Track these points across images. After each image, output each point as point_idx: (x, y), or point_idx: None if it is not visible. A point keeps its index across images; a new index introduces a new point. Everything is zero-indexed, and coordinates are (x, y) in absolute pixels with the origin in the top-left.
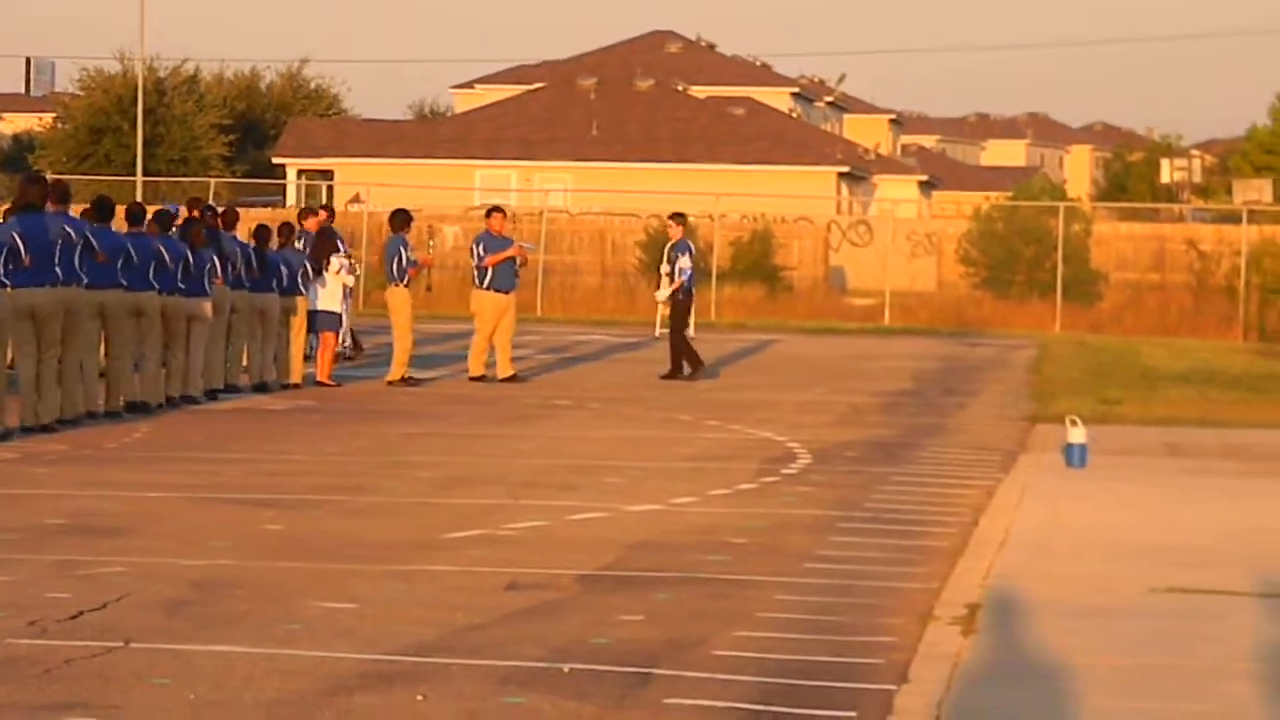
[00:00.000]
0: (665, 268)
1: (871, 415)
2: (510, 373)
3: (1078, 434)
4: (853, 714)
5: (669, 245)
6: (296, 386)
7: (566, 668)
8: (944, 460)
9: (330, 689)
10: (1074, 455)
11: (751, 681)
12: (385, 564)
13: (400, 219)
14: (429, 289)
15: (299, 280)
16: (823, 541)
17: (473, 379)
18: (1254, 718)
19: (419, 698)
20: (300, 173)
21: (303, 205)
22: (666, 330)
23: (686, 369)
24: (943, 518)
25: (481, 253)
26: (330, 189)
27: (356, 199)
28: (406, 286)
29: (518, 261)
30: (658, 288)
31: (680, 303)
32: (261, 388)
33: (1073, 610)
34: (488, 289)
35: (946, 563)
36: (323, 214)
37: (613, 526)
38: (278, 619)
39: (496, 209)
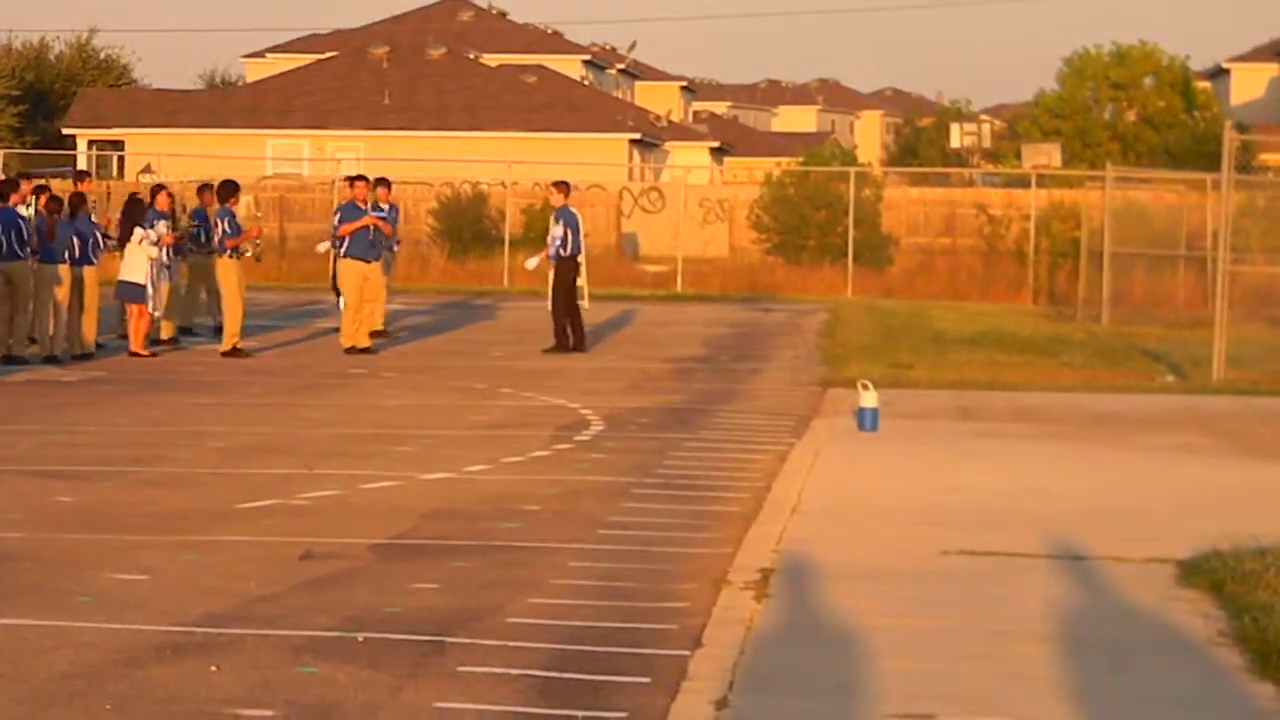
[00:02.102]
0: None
1: (664, 381)
2: (366, 344)
3: (869, 398)
4: (647, 680)
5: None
6: (89, 357)
7: (361, 637)
8: (737, 425)
9: (123, 661)
10: (866, 419)
11: (546, 648)
12: (178, 535)
13: (227, 190)
14: (259, 259)
15: (90, 251)
16: (616, 508)
17: (347, 351)
18: (1041, 677)
19: (213, 669)
20: (91, 143)
21: (96, 176)
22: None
23: (571, 341)
24: (736, 483)
25: (337, 222)
26: (121, 160)
27: (148, 169)
28: (233, 258)
29: (371, 231)
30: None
31: (561, 272)
32: (52, 359)
33: (864, 573)
34: (346, 257)
35: (739, 528)
36: (164, 194)
37: (406, 495)
38: (69, 591)
39: (359, 178)
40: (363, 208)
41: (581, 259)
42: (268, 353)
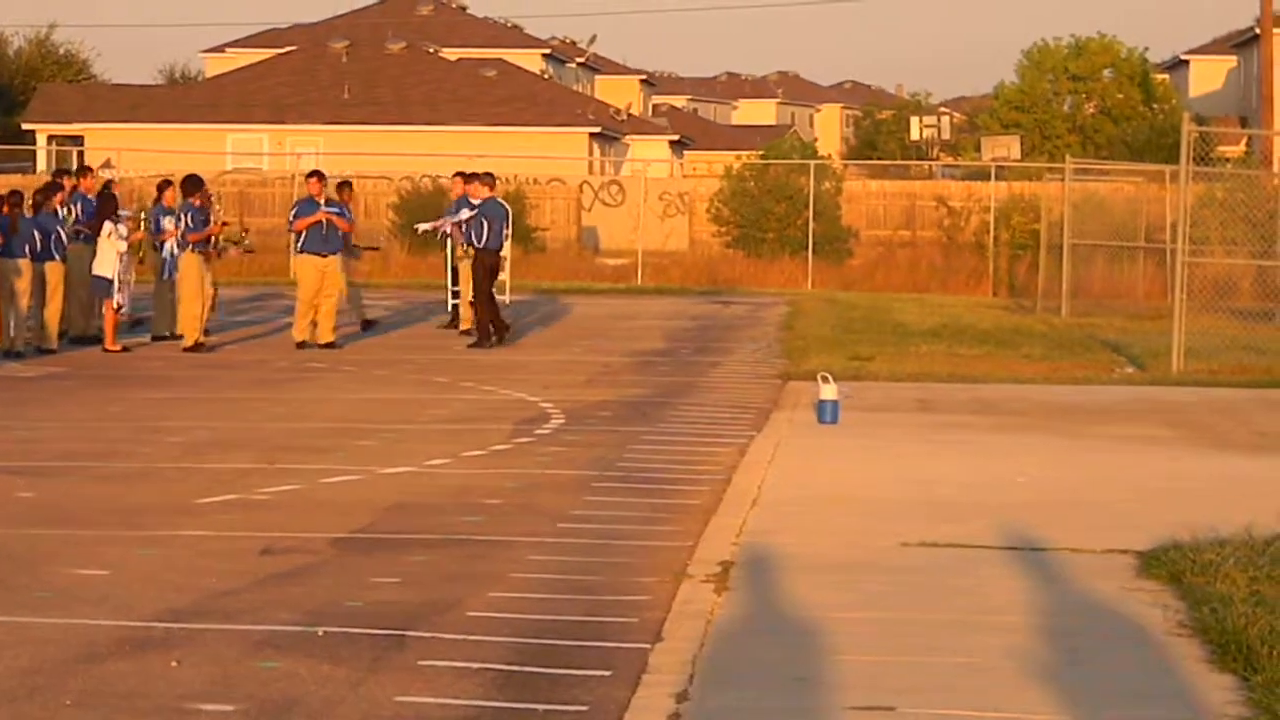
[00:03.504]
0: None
1: (625, 375)
2: (330, 338)
3: (829, 390)
4: (608, 673)
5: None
6: (52, 352)
7: (321, 631)
8: (697, 419)
9: (83, 656)
10: (826, 412)
11: (506, 642)
12: (138, 530)
13: (190, 185)
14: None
15: (53, 245)
16: (577, 501)
17: (298, 345)
18: (1001, 668)
19: (173, 663)
20: (50, 138)
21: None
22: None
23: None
24: (696, 476)
25: (292, 217)
26: (81, 155)
27: (107, 164)
28: (195, 253)
29: (324, 226)
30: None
31: (475, 263)
32: (13, 354)
33: (825, 565)
34: (301, 252)
35: (700, 521)
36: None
37: (367, 489)
38: (29, 586)
39: (315, 174)
40: (319, 203)
41: (505, 254)
42: (229, 347)
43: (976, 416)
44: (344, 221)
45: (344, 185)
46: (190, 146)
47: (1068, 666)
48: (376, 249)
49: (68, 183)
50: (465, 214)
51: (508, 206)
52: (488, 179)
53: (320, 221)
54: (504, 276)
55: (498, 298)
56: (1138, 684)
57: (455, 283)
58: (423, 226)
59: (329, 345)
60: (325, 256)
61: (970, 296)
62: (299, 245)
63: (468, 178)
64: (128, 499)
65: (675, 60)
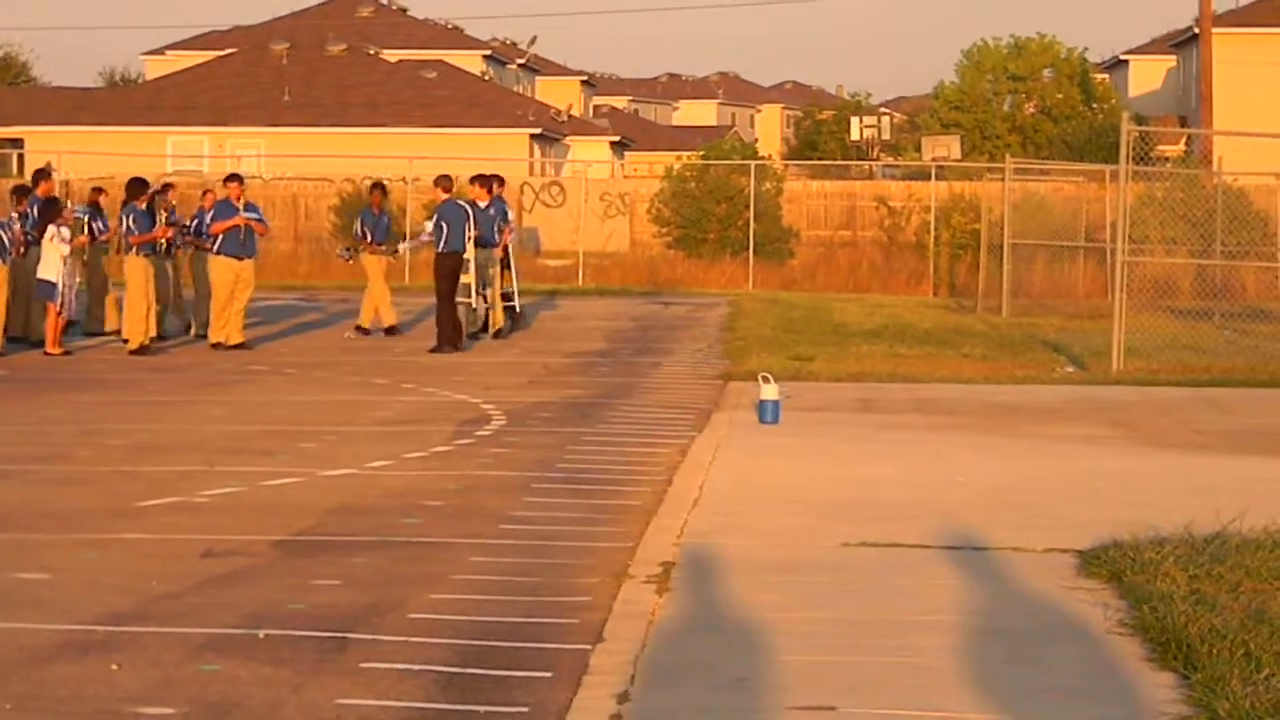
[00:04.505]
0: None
1: (565, 376)
2: (240, 339)
3: (770, 391)
4: (549, 674)
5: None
6: None
7: (262, 634)
8: (638, 419)
9: (23, 660)
10: (767, 412)
11: (448, 644)
12: (78, 533)
13: (134, 188)
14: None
15: None
16: (517, 502)
17: (212, 346)
18: (942, 668)
19: (114, 667)
20: None
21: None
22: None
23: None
24: (637, 477)
25: (210, 220)
26: (20, 157)
27: (47, 168)
28: (140, 255)
29: (242, 230)
30: None
31: (439, 267)
32: None
33: (766, 566)
34: (218, 254)
35: (641, 521)
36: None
37: (308, 491)
38: None
39: (233, 177)
40: (237, 207)
41: (468, 255)
42: (171, 350)
43: (917, 416)
44: (260, 225)
45: (231, 179)
46: (131, 149)
47: (1009, 665)
48: (396, 253)
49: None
50: (428, 225)
51: (467, 207)
52: (444, 181)
53: (238, 225)
54: (466, 278)
55: (462, 300)
56: (1078, 683)
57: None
58: (403, 246)
59: (239, 346)
60: (242, 260)
61: (911, 296)
62: (215, 248)
63: (438, 180)
64: (68, 502)
65: (616, 61)
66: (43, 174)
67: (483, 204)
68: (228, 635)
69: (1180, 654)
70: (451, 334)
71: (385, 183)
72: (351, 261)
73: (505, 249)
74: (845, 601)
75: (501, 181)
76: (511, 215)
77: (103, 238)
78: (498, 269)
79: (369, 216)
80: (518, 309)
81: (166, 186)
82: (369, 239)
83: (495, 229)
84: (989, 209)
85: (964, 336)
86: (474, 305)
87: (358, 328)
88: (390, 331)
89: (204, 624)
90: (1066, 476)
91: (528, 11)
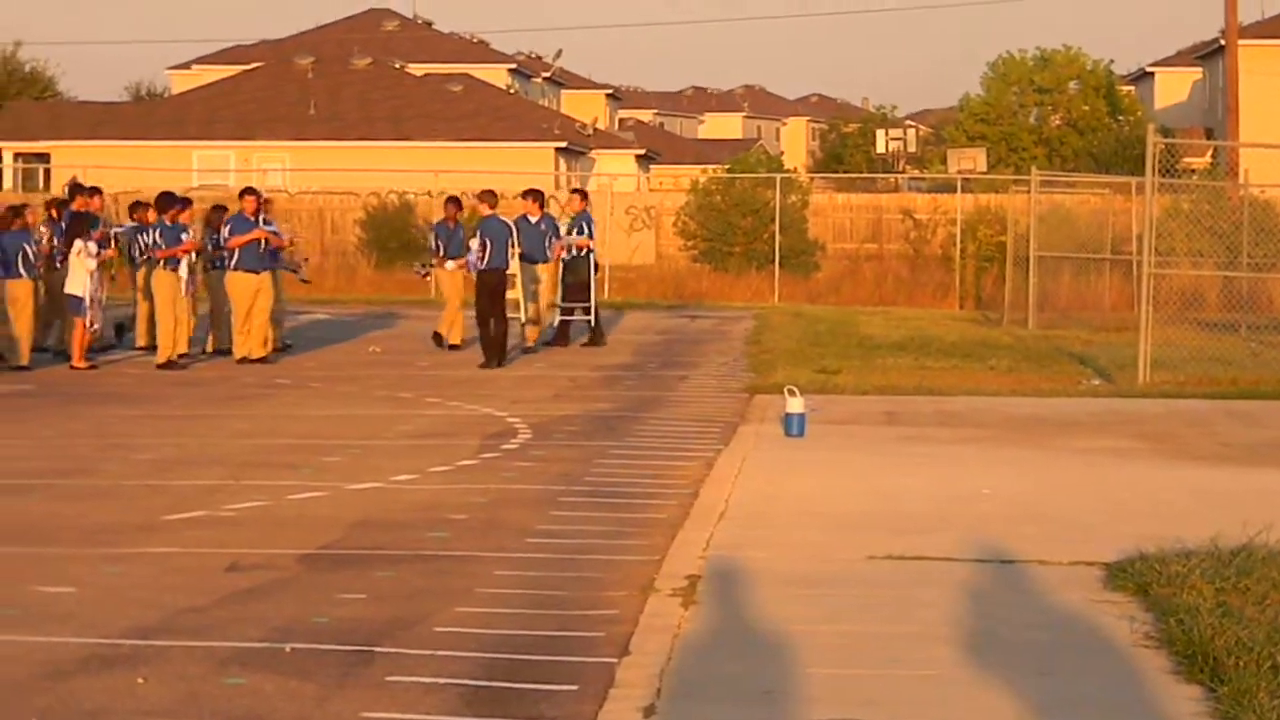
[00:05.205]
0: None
1: (591, 389)
2: (261, 353)
3: (796, 404)
4: (575, 687)
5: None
6: (25, 369)
7: (288, 647)
8: (664, 433)
9: (49, 674)
10: (793, 425)
11: (474, 657)
12: (104, 547)
13: (164, 202)
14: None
15: (18, 264)
16: (543, 516)
17: (237, 362)
18: (968, 681)
19: (140, 680)
20: (16, 156)
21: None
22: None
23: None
24: (663, 490)
25: (227, 234)
26: (48, 172)
27: (74, 182)
28: (167, 270)
29: (260, 244)
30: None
31: (481, 285)
32: None
33: (791, 579)
34: (236, 270)
35: (667, 535)
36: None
37: (333, 505)
38: None
39: (249, 191)
40: (252, 220)
41: (512, 271)
42: (198, 364)
43: (943, 429)
44: (278, 239)
45: (247, 193)
46: (156, 163)
47: (1034, 678)
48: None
49: (31, 215)
50: (474, 243)
51: (510, 223)
52: (488, 197)
53: (257, 239)
54: (513, 294)
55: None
56: (1104, 695)
57: (564, 299)
58: (450, 265)
59: (262, 360)
60: (259, 274)
61: (937, 309)
62: (233, 263)
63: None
64: (94, 516)
65: (641, 74)
66: (80, 188)
67: (533, 218)
68: (253, 649)
69: (1207, 667)
70: (488, 350)
71: (460, 197)
72: (427, 277)
73: (560, 261)
74: (871, 614)
75: (584, 195)
76: (595, 227)
77: (157, 253)
78: (546, 283)
79: (443, 231)
80: (593, 323)
81: (185, 201)
82: (443, 253)
83: (546, 244)
84: (1015, 221)
85: (990, 349)
86: (523, 320)
87: (436, 335)
88: (453, 348)
89: (229, 638)
90: (1092, 489)
91: (553, 25)
